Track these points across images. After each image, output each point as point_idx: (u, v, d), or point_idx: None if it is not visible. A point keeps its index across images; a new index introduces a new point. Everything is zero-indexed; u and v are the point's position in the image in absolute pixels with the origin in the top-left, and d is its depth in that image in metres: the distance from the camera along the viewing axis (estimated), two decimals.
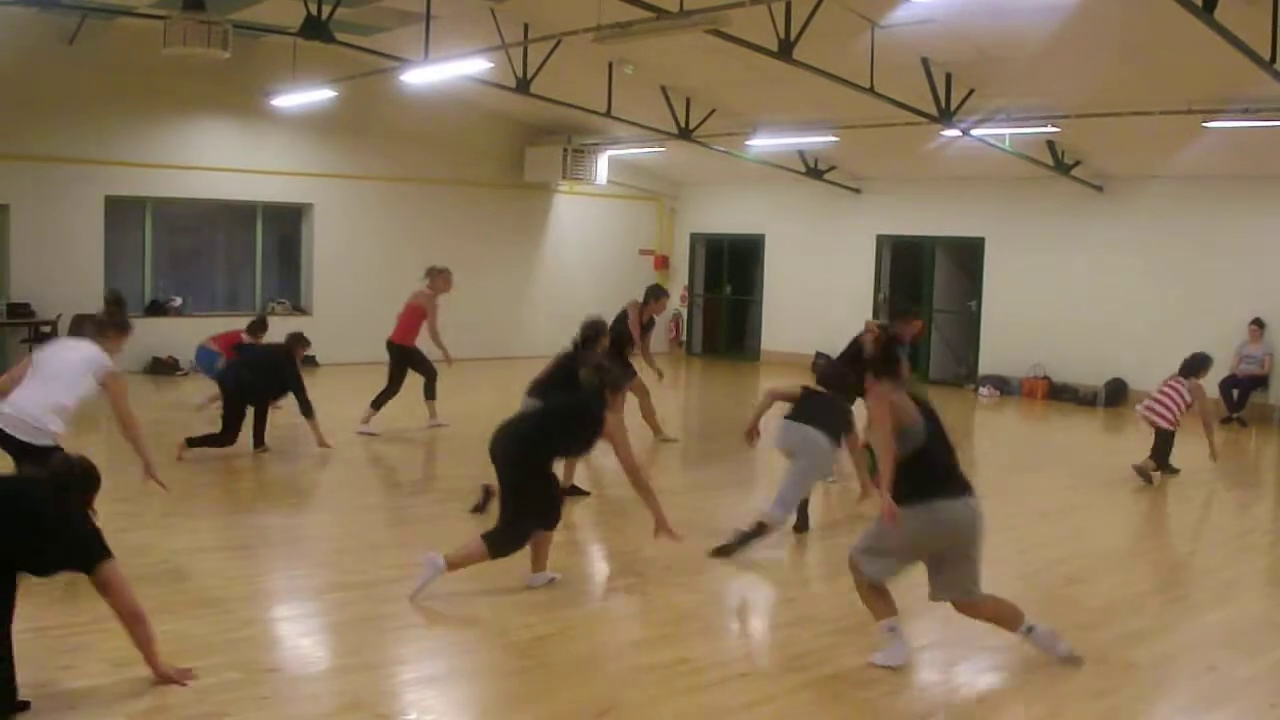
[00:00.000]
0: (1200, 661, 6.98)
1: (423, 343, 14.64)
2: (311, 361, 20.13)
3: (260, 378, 12.58)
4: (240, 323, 15.56)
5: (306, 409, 12.69)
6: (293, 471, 12.25)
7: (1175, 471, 12.74)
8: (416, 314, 14.58)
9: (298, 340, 13.01)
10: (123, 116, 18.59)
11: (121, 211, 19.17)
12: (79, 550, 5.56)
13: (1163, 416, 12.45)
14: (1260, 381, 17.67)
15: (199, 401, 14.92)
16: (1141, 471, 12.43)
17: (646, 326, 14.37)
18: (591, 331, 11.21)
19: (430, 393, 14.74)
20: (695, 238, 26.10)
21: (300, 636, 7.16)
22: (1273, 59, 11.28)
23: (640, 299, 14.39)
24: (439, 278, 14.70)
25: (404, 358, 14.56)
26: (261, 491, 11.36)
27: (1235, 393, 17.58)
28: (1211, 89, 13.97)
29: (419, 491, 12.22)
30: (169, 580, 7.76)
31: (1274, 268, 17.74)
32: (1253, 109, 14.24)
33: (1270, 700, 6.50)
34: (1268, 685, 6.73)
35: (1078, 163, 18.94)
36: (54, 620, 6.69)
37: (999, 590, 8.02)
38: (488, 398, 15.08)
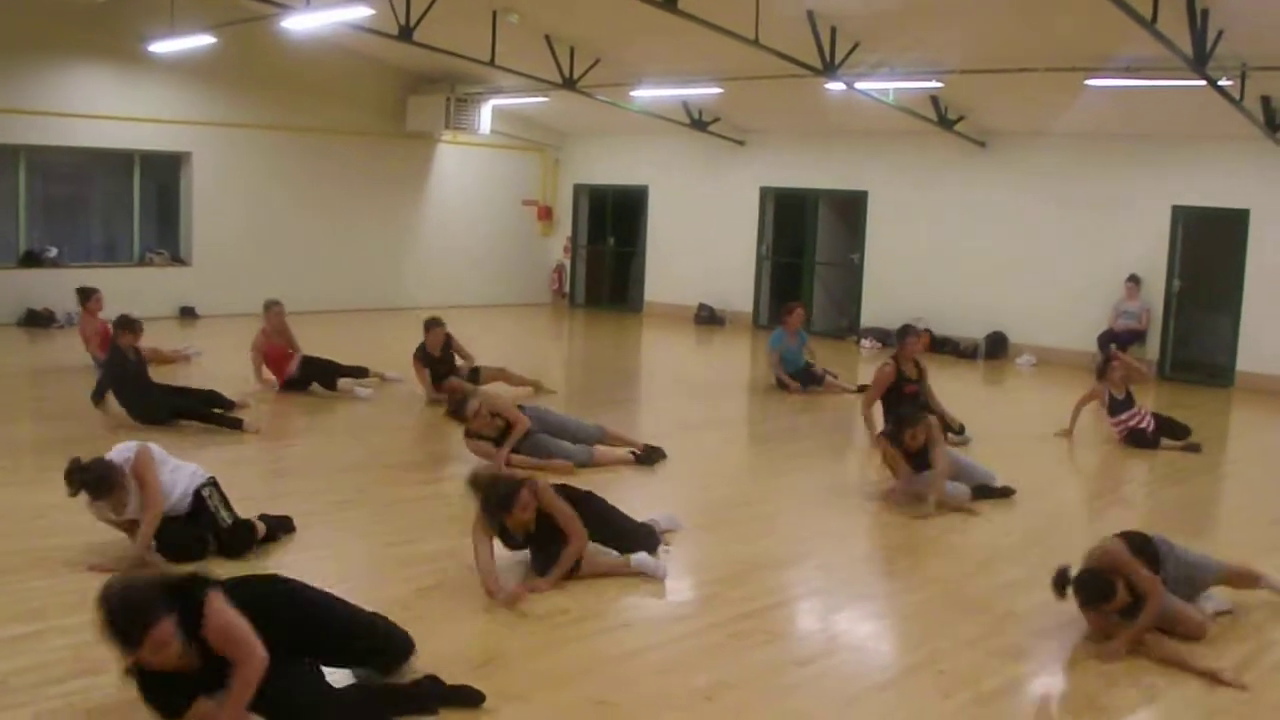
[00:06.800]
0: (1074, 609, 7.09)
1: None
2: (191, 313, 19.94)
3: None
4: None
5: None
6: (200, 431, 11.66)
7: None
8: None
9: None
10: None
11: None
12: None
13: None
14: (1138, 336, 17.99)
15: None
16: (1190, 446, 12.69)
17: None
18: None
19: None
20: (579, 189, 25.97)
21: None
22: (1154, 18, 11.44)
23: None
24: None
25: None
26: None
27: (1113, 348, 17.87)
28: (1094, 47, 14.12)
29: (290, 436, 11.97)
30: (37, 535, 7.60)
31: (1150, 225, 18.06)
32: (1133, 68, 14.43)
33: None
34: None
35: (961, 118, 19.11)
36: None
37: (879, 542, 8.08)
38: (371, 349, 14.88)
